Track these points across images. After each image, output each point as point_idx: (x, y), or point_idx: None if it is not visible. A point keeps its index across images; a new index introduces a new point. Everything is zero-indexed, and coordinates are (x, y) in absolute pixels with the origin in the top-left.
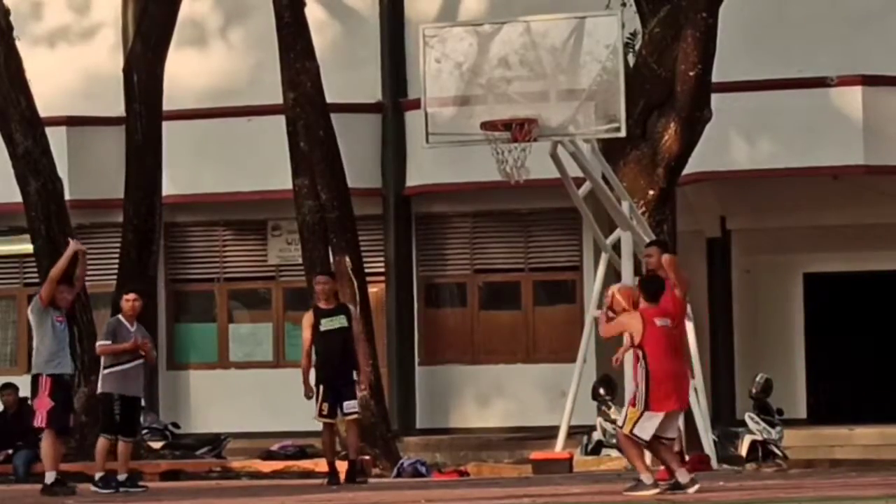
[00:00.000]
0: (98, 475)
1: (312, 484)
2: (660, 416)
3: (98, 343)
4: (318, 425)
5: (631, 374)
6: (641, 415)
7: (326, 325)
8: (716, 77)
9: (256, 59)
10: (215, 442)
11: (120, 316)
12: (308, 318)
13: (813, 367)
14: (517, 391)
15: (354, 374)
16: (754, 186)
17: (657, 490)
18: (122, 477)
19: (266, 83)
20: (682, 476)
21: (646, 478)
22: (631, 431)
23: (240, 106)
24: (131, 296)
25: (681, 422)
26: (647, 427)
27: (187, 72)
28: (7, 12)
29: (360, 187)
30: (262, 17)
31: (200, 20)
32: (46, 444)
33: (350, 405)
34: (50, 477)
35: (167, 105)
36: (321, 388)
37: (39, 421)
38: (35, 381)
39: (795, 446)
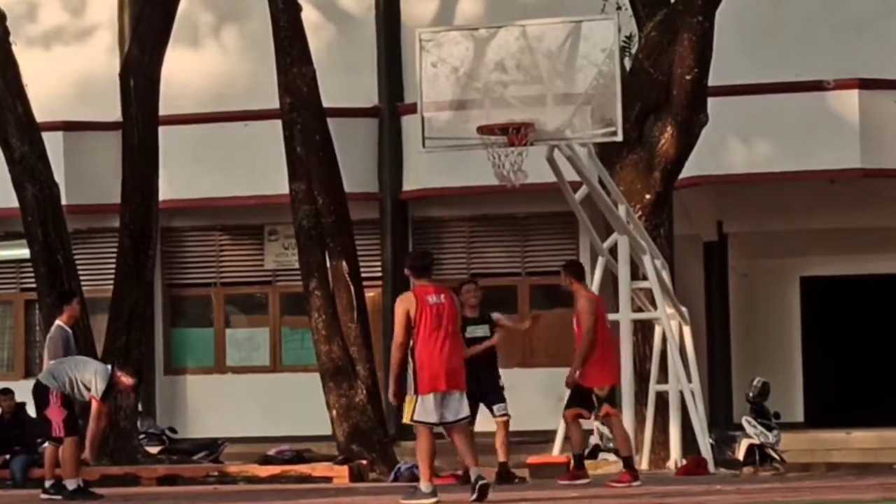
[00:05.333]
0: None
1: (310, 489)
2: (429, 397)
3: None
4: (314, 429)
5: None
6: (417, 399)
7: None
8: (712, 81)
9: (253, 64)
10: (212, 446)
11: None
12: None
13: (810, 370)
14: (514, 395)
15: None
16: (751, 190)
17: (435, 499)
18: (51, 483)
19: (263, 88)
20: (474, 473)
21: (425, 486)
22: (412, 418)
23: (236, 111)
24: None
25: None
26: (428, 409)
27: (184, 76)
28: (3, 17)
29: (356, 192)
30: (259, 21)
31: (197, 24)
32: (68, 452)
33: (500, 407)
34: (72, 484)
35: (163, 109)
36: None
37: (57, 431)
38: (39, 390)
39: (793, 450)
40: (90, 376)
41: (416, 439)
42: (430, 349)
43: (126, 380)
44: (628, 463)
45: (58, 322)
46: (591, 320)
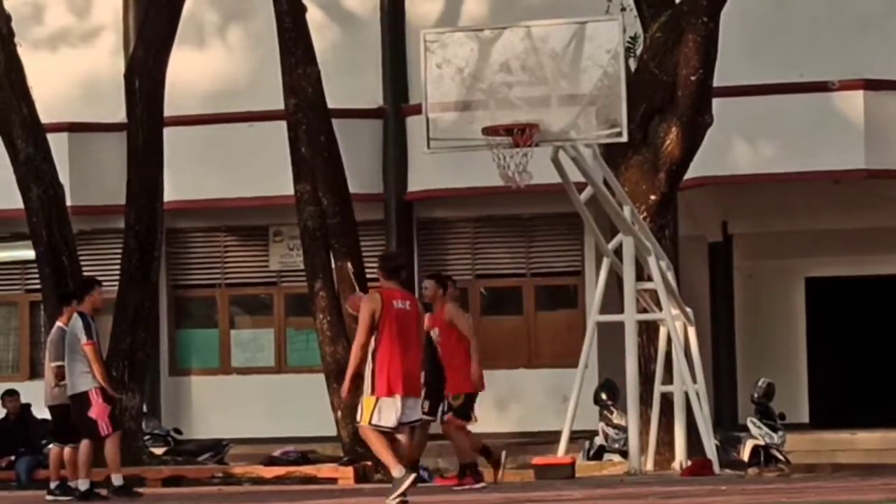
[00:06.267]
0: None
1: (315, 490)
2: (388, 400)
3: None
4: (319, 430)
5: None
6: (376, 402)
7: None
8: (717, 81)
9: (258, 65)
10: (217, 447)
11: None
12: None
13: (815, 371)
14: (519, 396)
15: None
16: (756, 191)
17: (413, 475)
18: (56, 484)
19: (267, 89)
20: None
21: (396, 471)
22: (370, 422)
23: (241, 112)
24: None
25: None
26: (388, 414)
27: (189, 77)
28: (8, 18)
29: (361, 192)
30: (263, 22)
31: (202, 25)
32: (113, 447)
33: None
34: (118, 479)
35: (168, 110)
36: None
37: (104, 430)
38: (76, 401)
39: (797, 451)
40: (76, 338)
41: (368, 441)
42: (390, 354)
43: (90, 302)
44: (464, 471)
45: (58, 324)
46: (468, 324)
